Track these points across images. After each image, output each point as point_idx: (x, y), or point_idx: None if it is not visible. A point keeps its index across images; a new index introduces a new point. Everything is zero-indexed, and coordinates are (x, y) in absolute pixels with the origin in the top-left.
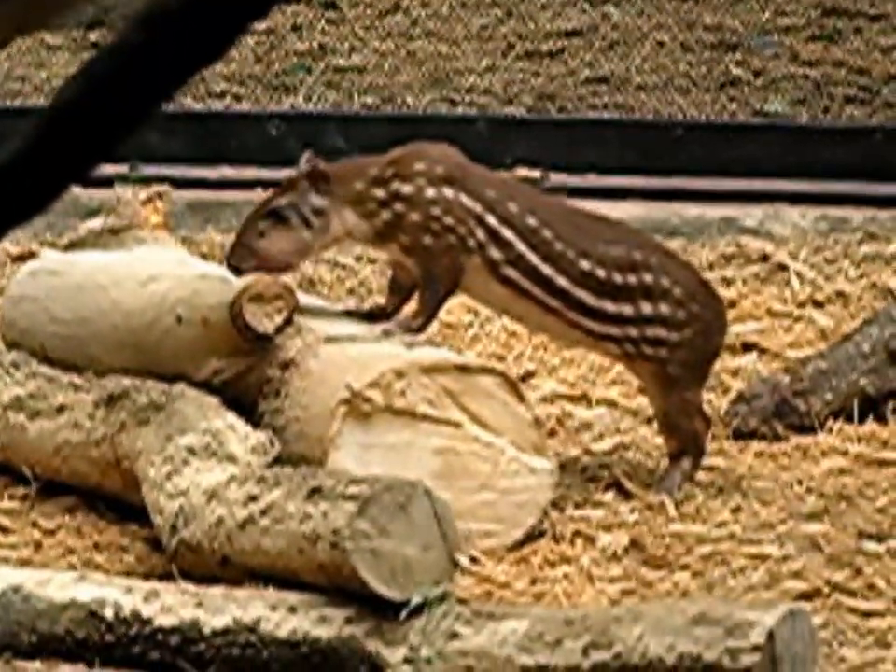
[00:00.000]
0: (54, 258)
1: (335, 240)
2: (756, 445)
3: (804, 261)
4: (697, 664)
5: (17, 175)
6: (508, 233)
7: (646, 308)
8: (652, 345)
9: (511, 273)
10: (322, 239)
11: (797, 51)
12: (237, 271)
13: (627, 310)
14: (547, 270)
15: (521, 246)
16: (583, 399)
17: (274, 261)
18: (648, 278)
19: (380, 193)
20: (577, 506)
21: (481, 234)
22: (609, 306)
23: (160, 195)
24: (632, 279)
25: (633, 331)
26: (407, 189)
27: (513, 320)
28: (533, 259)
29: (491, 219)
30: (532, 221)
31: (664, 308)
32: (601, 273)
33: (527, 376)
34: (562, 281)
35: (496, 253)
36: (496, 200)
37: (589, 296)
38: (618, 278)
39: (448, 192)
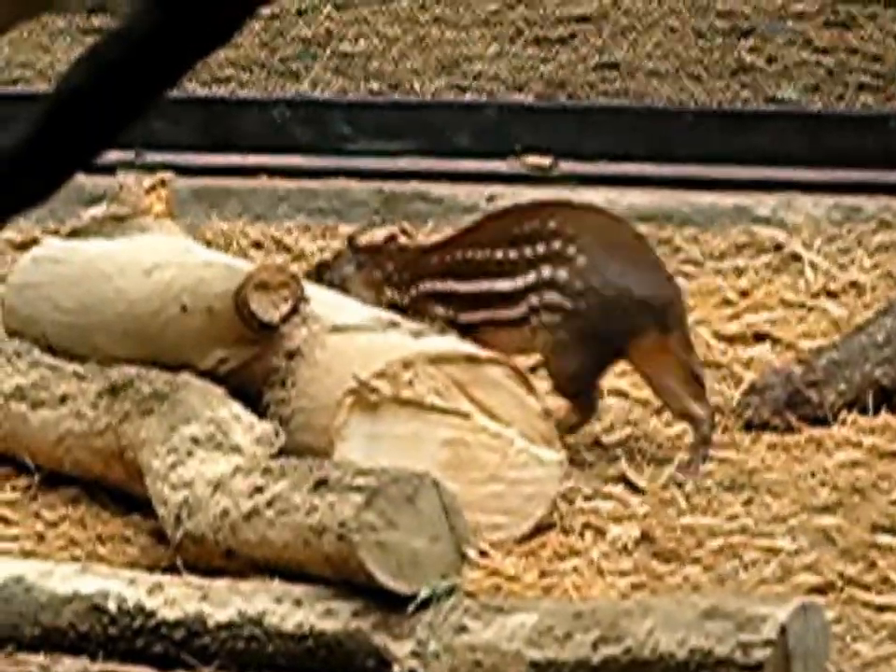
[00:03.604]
0: (57, 245)
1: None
2: (769, 437)
3: (817, 251)
4: (708, 658)
5: (21, 161)
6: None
7: (545, 272)
8: (549, 311)
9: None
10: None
11: (811, 38)
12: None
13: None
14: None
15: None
16: None
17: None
18: (556, 245)
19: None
20: (586, 498)
21: None
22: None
23: (163, 182)
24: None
25: (533, 299)
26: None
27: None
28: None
29: None
30: None
31: (562, 274)
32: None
33: (537, 367)
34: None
35: None
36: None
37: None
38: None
39: None
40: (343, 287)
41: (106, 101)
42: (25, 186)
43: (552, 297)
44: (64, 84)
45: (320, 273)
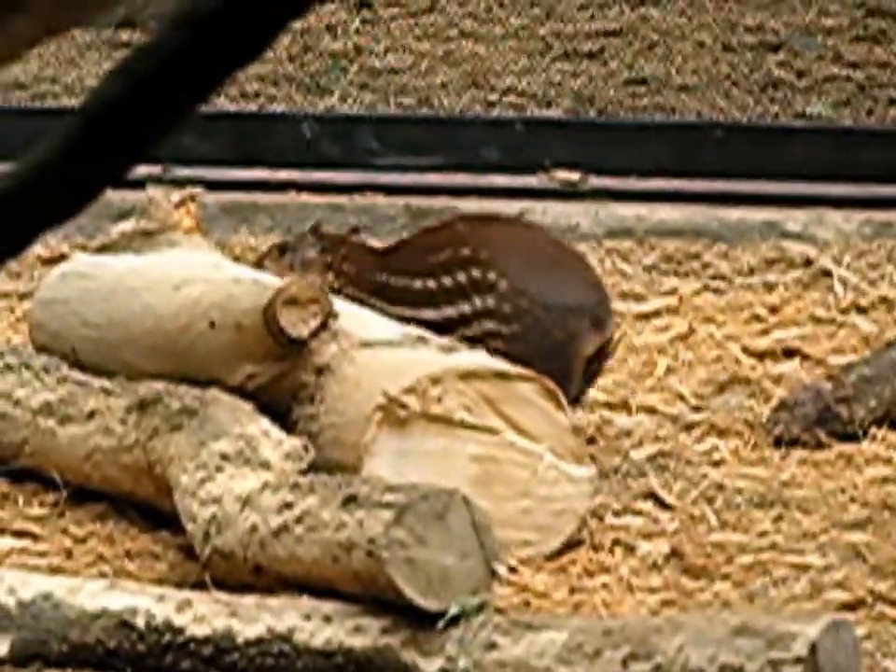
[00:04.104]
0: (85, 261)
1: None
2: (798, 453)
3: (847, 266)
4: None
5: (51, 177)
6: None
7: (476, 303)
8: (492, 339)
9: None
10: None
11: (840, 53)
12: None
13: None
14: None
15: None
16: (623, 406)
17: None
18: (476, 273)
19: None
20: (616, 514)
21: None
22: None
23: (192, 197)
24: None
25: (468, 332)
26: None
27: None
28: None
29: None
30: None
31: (490, 302)
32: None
33: None
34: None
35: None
36: None
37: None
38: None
39: None
40: (302, 270)
41: (137, 116)
42: (55, 201)
43: (489, 325)
44: (95, 99)
45: (282, 253)
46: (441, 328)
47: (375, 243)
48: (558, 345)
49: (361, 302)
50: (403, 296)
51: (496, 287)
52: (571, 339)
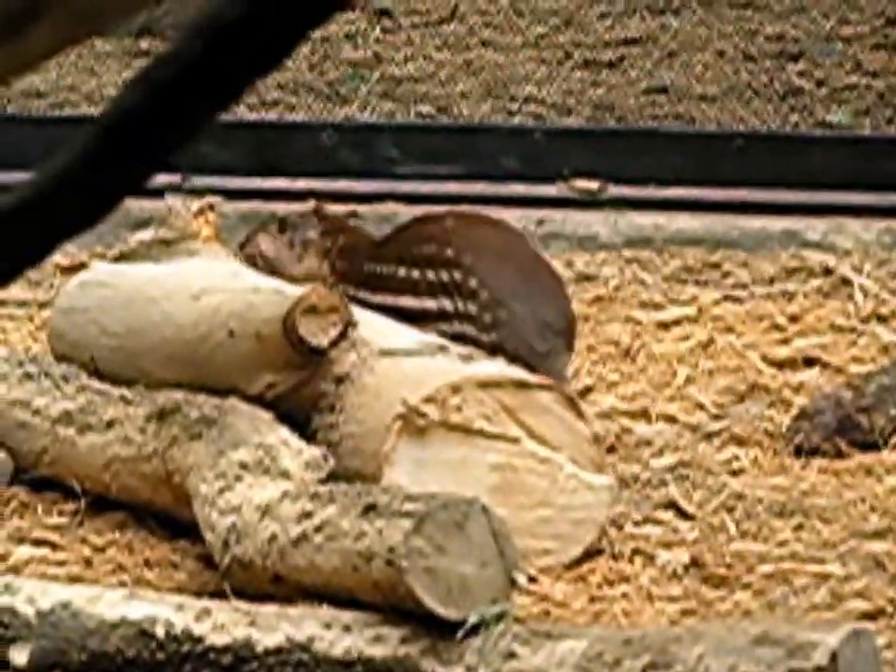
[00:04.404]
0: (104, 269)
1: (296, 273)
2: (819, 462)
3: (867, 275)
4: None
5: (70, 186)
6: None
7: (458, 304)
8: (464, 342)
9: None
10: (289, 264)
11: (860, 61)
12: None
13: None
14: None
15: None
16: (643, 414)
17: (260, 258)
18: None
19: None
20: (636, 523)
21: None
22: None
23: (211, 206)
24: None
25: (444, 326)
26: None
27: None
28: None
29: None
30: None
31: (471, 308)
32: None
33: (586, 392)
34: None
35: None
36: None
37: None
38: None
39: None
40: (302, 250)
41: (157, 125)
42: (74, 210)
43: (469, 330)
44: (114, 107)
45: (282, 228)
46: (417, 317)
47: (372, 232)
48: (535, 358)
49: (350, 299)
50: (388, 283)
51: (477, 295)
52: (548, 353)
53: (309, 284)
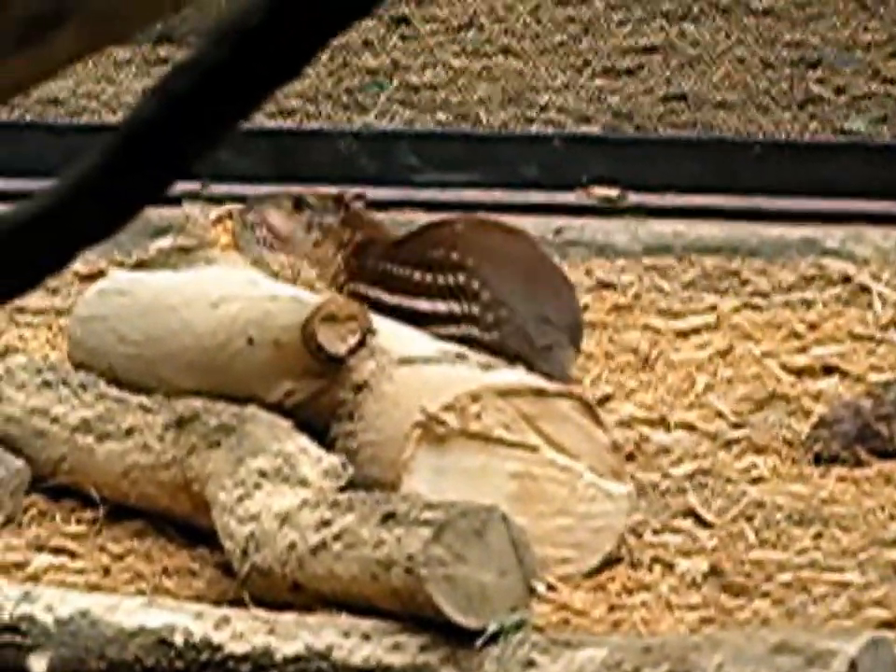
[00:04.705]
0: (123, 277)
1: (310, 257)
2: (838, 471)
3: (886, 283)
4: None
5: (90, 194)
6: None
7: (464, 306)
8: (468, 344)
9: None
10: (305, 246)
11: (879, 69)
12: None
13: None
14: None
15: None
16: (662, 422)
17: (266, 231)
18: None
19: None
20: (655, 532)
21: None
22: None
23: (230, 214)
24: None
25: (453, 328)
26: None
27: None
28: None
29: None
30: None
31: (474, 309)
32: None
33: (605, 399)
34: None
35: None
36: None
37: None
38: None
39: None
40: (320, 235)
41: (177, 133)
42: (94, 218)
43: (472, 331)
44: (134, 115)
45: (299, 207)
46: (429, 320)
47: (388, 228)
48: (535, 354)
49: (361, 298)
50: (404, 286)
51: (479, 296)
52: (552, 353)
53: (318, 268)
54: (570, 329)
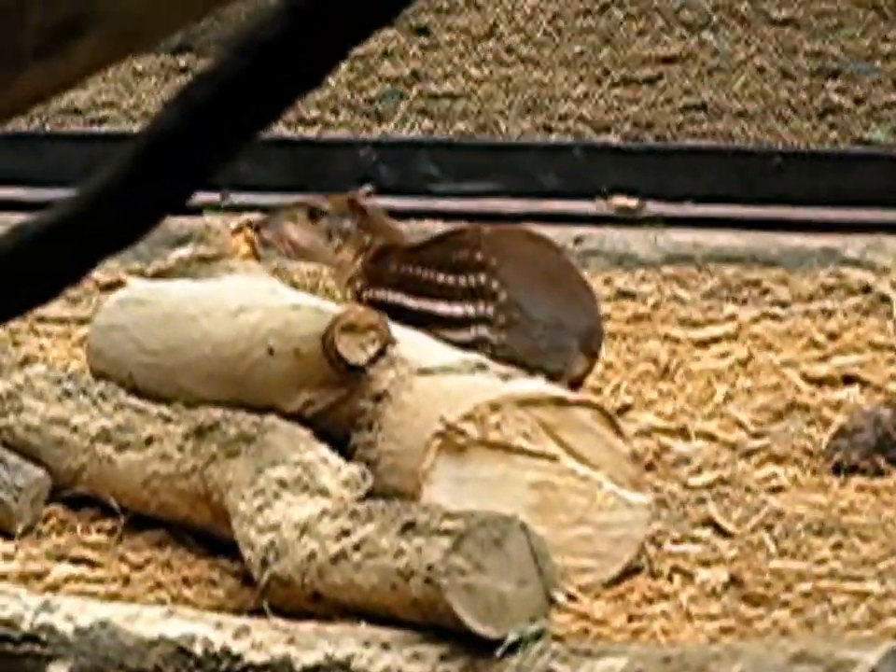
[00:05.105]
0: (143, 287)
1: (332, 264)
2: (857, 480)
3: None
4: None
5: (111, 203)
6: None
7: (479, 307)
8: (482, 345)
9: None
10: (327, 254)
11: None
12: (257, 229)
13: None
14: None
15: None
16: (681, 432)
17: (284, 243)
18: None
19: None
20: (674, 541)
21: None
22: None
23: (249, 223)
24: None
25: (472, 331)
26: None
27: None
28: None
29: None
30: None
31: (489, 310)
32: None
33: (624, 409)
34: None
35: None
36: None
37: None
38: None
39: None
40: (340, 239)
41: (198, 143)
42: (114, 228)
43: (483, 331)
44: (155, 125)
45: (314, 216)
46: (445, 323)
47: (403, 232)
48: (543, 359)
49: (382, 303)
50: (427, 288)
51: (496, 296)
52: (557, 355)
53: (338, 274)
54: (584, 336)
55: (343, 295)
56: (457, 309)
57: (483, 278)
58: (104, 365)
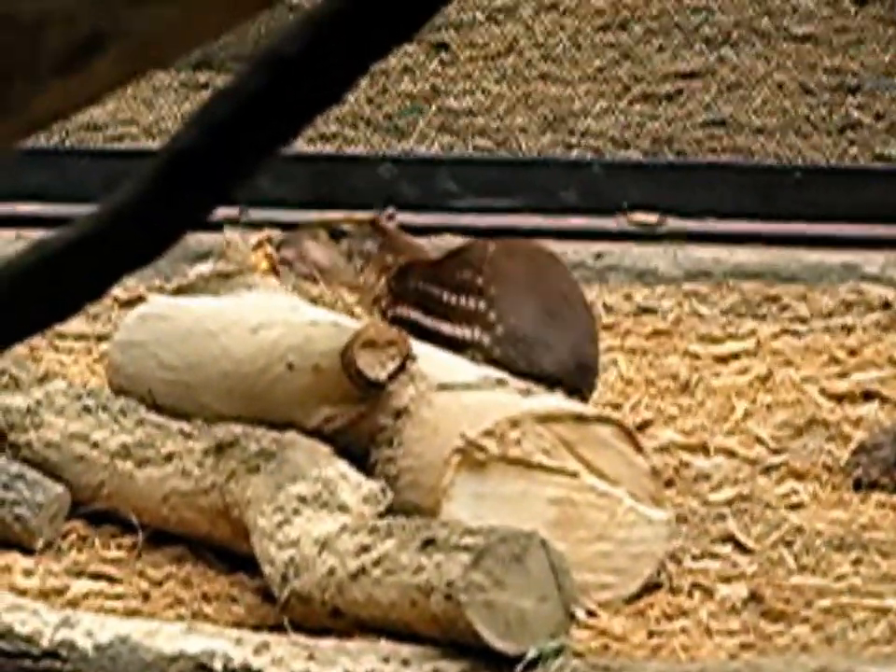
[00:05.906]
0: (163, 303)
1: (355, 285)
2: (877, 496)
3: None
4: None
5: (131, 219)
6: None
7: (476, 334)
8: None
9: None
10: (348, 275)
11: None
12: (277, 247)
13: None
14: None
15: None
16: (701, 448)
17: (306, 264)
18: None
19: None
20: (694, 558)
21: None
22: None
23: (269, 239)
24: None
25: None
26: None
27: None
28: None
29: None
30: None
31: (486, 340)
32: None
33: (644, 425)
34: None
35: None
36: None
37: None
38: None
39: None
40: (362, 261)
41: (218, 159)
42: (135, 244)
43: (478, 358)
44: (175, 141)
45: (335, 236)
46: (450, 344)
47: (426, 249)
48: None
49: (404, 320)
50: (437, 307)
51: (494, 328)
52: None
53: (360, 295)
54: (571, 373)
55: (370, 315)
56: (458, 331)
57: (482, 305)
58: (124, 381)
